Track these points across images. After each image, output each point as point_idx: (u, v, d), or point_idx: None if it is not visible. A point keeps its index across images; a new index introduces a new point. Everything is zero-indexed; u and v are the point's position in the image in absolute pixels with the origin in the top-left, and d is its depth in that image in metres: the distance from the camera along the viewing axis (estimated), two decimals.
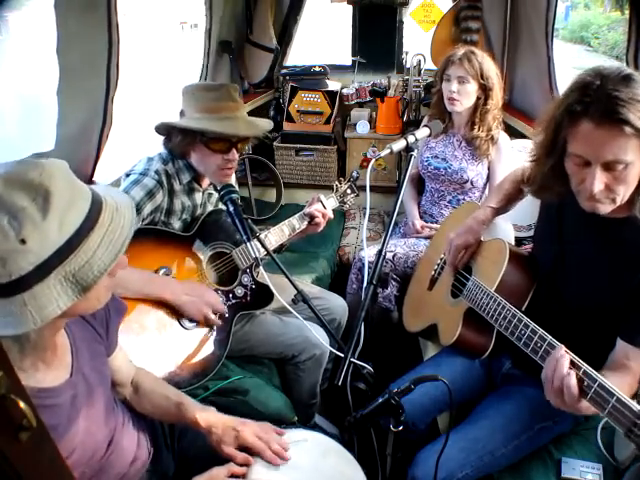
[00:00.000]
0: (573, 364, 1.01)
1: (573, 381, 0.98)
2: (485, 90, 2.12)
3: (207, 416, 1.16)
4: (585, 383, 0.98)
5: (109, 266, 0.81)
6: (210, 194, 1.75)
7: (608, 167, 1.05)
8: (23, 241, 0.74)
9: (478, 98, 2.14)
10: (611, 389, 0.93)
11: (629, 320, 1.14)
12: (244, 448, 1.13)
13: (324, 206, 1.83)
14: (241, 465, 1.10)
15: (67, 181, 0.81)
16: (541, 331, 1.15)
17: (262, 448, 1.12)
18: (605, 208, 1.12)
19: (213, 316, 1.54)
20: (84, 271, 0.79)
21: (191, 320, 1.53)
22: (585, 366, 1.00)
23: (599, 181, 1.06)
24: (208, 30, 2.66)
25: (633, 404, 0.89)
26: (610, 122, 1.01)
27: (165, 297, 1.47)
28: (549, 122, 1.17)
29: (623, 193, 1.09)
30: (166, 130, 1.58)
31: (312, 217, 1.81)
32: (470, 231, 1.56)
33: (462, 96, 2.11)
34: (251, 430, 1.15)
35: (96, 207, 0.83)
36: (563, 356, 1.03)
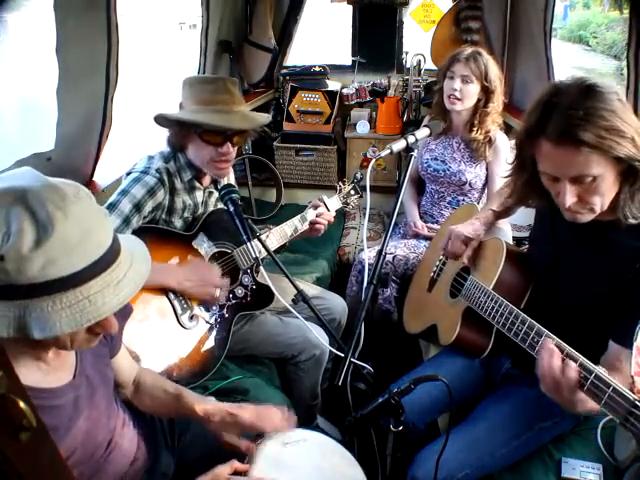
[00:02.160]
0: (569, 356, 1.02)
1: (573, 372, 0.97)
2: (487, 92, 2.12)
3: (205, 405, 1.17)
4: (581, 375, 0.98)
5: (63, 332, 0.76)
6: (211, 192, 1.75)
7: (577, 181, 1.06)
8: (1, 258, 0.72)
9: (479, 100, 2.13)
10: (607, 379, 0.93)
11: (620, 322, 1.14)
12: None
13: (327, 207, 1.83)
14: (244, 454, 1.10)
15: (80, 228, 0.77)
16: (537, 326, 1.15)
17: (263, 425, 1.13)
18: (585, 217, 1.13)
19: (218, 293, 1.55)
20: (38, 322, 0.74)
21: (191, 318, 1.53)
22: (581, 358, 1.00)
23: (570, 195, 1.08)
24: (205, 30, 2.66)
25: (629, 393, 0.89)
26: (566, 142, 1.02)
27: (169, 284, 1.48)
28: (517, 141, 1.20)
29: (600, 203, 1.09)
30: (164, 122, 1.57)
31: (314, 223, 1.81)
32: (472, 226, 1.56)
33: (464, 96, 2.11)
34: (248, 412, 1.15)
35: (96, 268, 0.79)
36: (553, 349, 1.03)
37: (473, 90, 2.11)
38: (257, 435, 1.15)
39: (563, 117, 1.02)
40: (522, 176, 1.24)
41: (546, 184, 1.15)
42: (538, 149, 1.10)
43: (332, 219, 1.85)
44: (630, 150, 1.02)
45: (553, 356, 1.01)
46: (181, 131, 1.54)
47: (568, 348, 1.03)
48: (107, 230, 0.83)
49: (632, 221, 1.09)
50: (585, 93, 1.03)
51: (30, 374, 0.86)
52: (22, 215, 0.74)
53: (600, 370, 0.96)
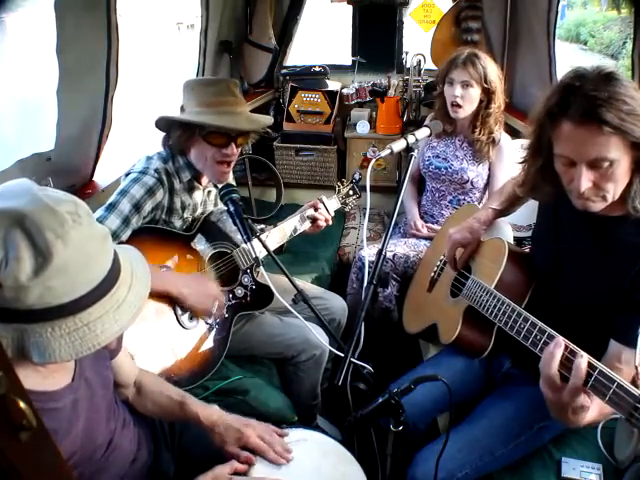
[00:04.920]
0: (573, 353, 1.01)
1: (584, 364, 0.94)
2: (488, 94, 2.11)
3: (210, 415, 1.16)
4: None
5: (62, 359, 0.76)
6: (210, 192, 1.75)
7: (593, 165, 1.07)
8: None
9: (481, 101, 2.13)
10: (611, 375, 0.93)
11: (622, 320, 1.14)
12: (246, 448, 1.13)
13: (326, 208, 1.83)
14: (243, 464, 1.10)
15: (79, 255, 0.76)
16: (540, 324, 1.14)
17: (265, 449, 1.12)
18: (596, 206, 1.13)
19: (215, 307, 1.54)
20: (37, 347, 0.74)
21: (191, 318, 1.53)
22: (585, 355, 1.00)
23: (586, 179, 1.08)
24: (204, 30, 2.65)
25: (633, 389, 0.89)
26: (589, 122, 1.03)
27: (167, 290, 1.47)
28: (534, 124, 1.19)
29: (613, 190, 1.10)
30: (166, 125, 1.57)
31: (314, 219, 1.81)
32: (470, 229, 1.56)
33: (465, 101, 2.10)
34: (254, 431, 1.15)
35: (95, 295, 0.78)
36: (559, 344, 1.00)
37: (474, 94, 2.10)
38: None
39: (586, 98, 1.03)
40: (537, 161, 1.23)
41: (560, 170, 1.15)
42: (558, 131, 1.10)
43: (330, 219, 1.84)
44: None
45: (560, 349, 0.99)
46: (184, 134, 1.54)
47: (572, 345, 1.03)
48: (107, 253, 0.82)
49: None
50: (606, 79, 1.05)
51: (28, 377, 0.85)
52: (20, 241, 0.72)
53: (603, 367, 0.96)
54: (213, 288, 1.57)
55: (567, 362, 0.98)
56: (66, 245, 0.74)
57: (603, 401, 0.94)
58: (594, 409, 1.00)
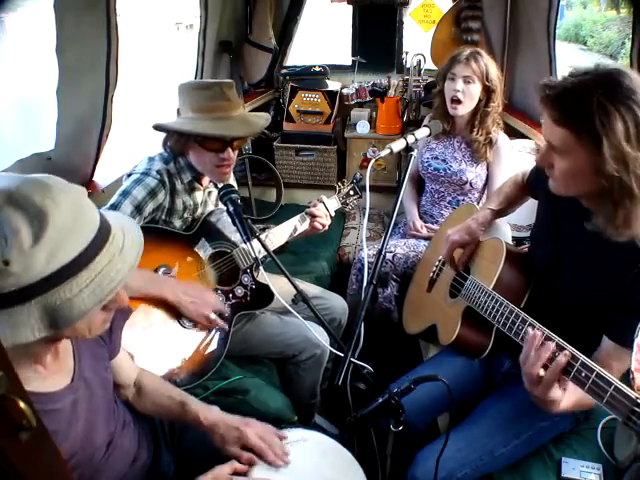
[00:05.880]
0: (572, 356, 1.02)
1: (563, 359, 1.01)
2: (488, 92, 2.11)
3: (210, 415, 1.16)
4: (583, 374, 0.98)
5: (90, 310, 0.78)
6: (210, 192, 1.75)
7: None
8: (6, 262, 0.72)
9: (480, 100, 2.13)
10: (609, 378, 0.93)
11: (616, 319, 1.15)
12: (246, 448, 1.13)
13: (326, 207, 1.83)
14: (245, 464, 1.10)
15: (72, 211, 0.78)
16: (538, 325, 1.15)
17: (264, 450, 1.12)
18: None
19: (213, 316, 1.54)
20: (63, 309, 0.76)
21: (190, 320, 1.53)
22: (582, 357, 1.01)
23: None
24: (203, 30, 2.65)
25: (631, 392, 0.89)
26: None
27: (165, 296, 1.47)
28: None
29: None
30: (163, 130, 1.58)
31: (313, 216, 1.80)
32: (468, 230, 1.56)
33: (466, 96, 2.10)
34: (254, 431, 1.15)
35: (97, 243, 0.80)
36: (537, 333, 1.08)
37: (475, 90, 2.10)
38: None
39: None
40: None
41: None
42: None
43: (329, 219, 1.84)
44: None
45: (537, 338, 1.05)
46: (181, 138, 1.54)
47: (569, 347, 1.03)
48: (93, 208, 0.85)
49: None
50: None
51: (28, 379, 0.86)
52: (12, 215, 0.74)
53: (601, 369, 0.96)
54: (213, 298, 1.56)
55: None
56: (57, 204, 0.76)
57: (600, 403, 0.94)
58: (569, 399, 1.06)
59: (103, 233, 0.82)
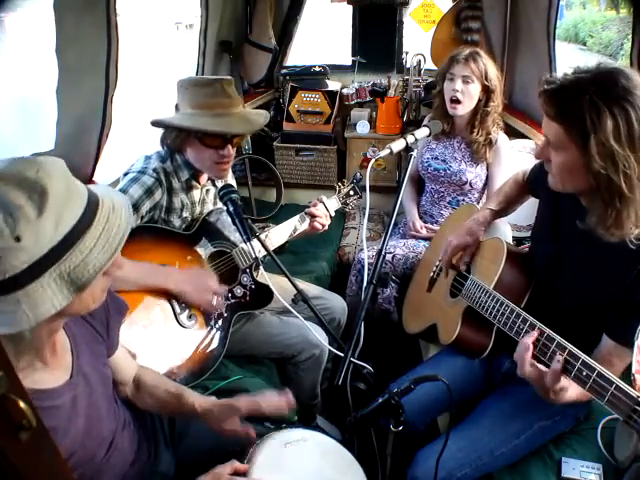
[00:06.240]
0: (572, 355, 1.02)
1: (557, 364, 1.02)
2: (487, 92, 2.11)
3: (204, 403, 1.19)
4: (584, 373, 0.99)
5: (105, 265, 0.82)
6: (208, 190, 1.74)
7: None
8: (18, 238, 0.73)
9: (479, 100, 2.13)
10: (610, 377, 0.93)
11: (616, 319, 1.15)
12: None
13: (326, 207, 1.83)
14: (244, 454, 1.10)
15: (64, 179, 0.81)
16: (539, 324, 1.15)
17: (259, 407, 1.17)
18: None
19: (216, 301, 1.54)
20: (79, 270, 0.79)
21: (190, 317, 1.53)
22: (583, 356, 1.01)
23: None
24: (203, 30, 2.65)
25: (632, 391, 0.90)
26: None
27: (167, 287, 1.47)
28: None
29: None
30: (162, 125, 1.57)
31: (313, 215, 1.80)
32: (469, 232, 1.56)
33: (465, 96, 2.10)
34: (244, 399, 1.19)
35: (92, 206, 0.83)
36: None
37: (474, 90, 2.10)
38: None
39: None
40: None
41: None
42: None
43: (329, 219, 1.84)
44: None
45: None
46: (180, 135, 1.54)
47: (570, 346, 1.04)
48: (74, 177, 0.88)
49: None
50: None
51: (26, 375, 0.86)
52: (11, 193, 0.75)
53: (602, 369, 0.96)
54: (213, 282, 1.57)
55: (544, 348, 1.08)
56: (50, 175, 0.79)
57: (602, 402, 0.94)
58: (575, 390, 1.06)
59: (92, 198, 0.85)
